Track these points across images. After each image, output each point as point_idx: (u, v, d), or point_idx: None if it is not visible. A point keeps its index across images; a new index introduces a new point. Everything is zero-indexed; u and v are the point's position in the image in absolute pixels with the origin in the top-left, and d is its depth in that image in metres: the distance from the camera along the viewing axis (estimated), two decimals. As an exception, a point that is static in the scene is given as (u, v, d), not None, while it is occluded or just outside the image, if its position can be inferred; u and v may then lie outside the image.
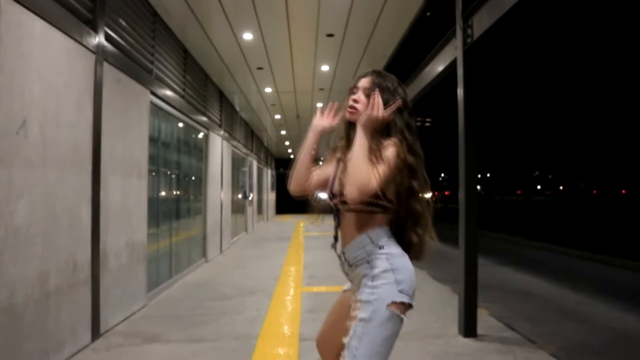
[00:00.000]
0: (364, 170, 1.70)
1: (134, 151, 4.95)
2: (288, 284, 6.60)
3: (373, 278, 1.78)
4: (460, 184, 4.20)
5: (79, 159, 3.76)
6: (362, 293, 1.78)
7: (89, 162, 3.92)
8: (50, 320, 3.31)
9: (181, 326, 4.50)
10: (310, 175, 2.04)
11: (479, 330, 4.15)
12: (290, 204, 30.61)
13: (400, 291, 1.75)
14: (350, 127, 2.01)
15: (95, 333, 4.00)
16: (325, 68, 8.50)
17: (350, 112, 1.96)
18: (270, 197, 24.83)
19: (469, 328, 4.08)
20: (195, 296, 5.81)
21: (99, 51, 4.06)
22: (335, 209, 1.95)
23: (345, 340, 1.74)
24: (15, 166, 2.94)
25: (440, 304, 5.35)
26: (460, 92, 4.24)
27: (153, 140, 5.92)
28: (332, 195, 1.97)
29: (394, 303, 1.73)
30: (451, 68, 4.80)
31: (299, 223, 19.38)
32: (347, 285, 2.05)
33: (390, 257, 1.81)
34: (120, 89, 4.60)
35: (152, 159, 5.85)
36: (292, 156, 26.71)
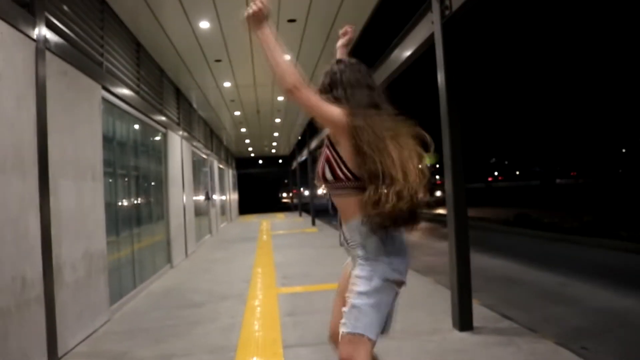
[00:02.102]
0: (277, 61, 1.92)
1: (87, 151, 4.48)
2: (261, 286, 6.24)
3: (367, 259, 1.85)
4: (446, 174, 3.94)
5: (23, 160, 3.29)
6: (358, 269, 1.87)
7: (34, 164, 3.46)
8: (-4, 348, 2.86)
9: (150, 341, 4.08)
10: None
11: (475, 323, 3.91)
12: (253, 204, 30.12)
13: (393, 270, 1.84)
14: None
15: (53, 356, 3.55)
16: (286, 57, 8.12)
17: None
18: (233, 197, 24.28)
19: (464, 321, 3.83)
20: (163, 305, 5.38)
21: (39, 39, 3.60)
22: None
23: (345, 309, 1.83)
24: (-57, 170, 2.49)
25: (426, 296, 5.10)
26: (440, 74, 3.96)
27: (108, 140, 5.43)
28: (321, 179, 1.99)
29: (387, 279, 1.82)
30: (426, 45, 4.55)
31: (263, 222, 18.97)
32: (348, 259, 2.12)
33: (382, 240, 1.84)
34: (68, 82, 4.13)
35: (108, 161, 5.37)
36: (252, 154, 26.27)
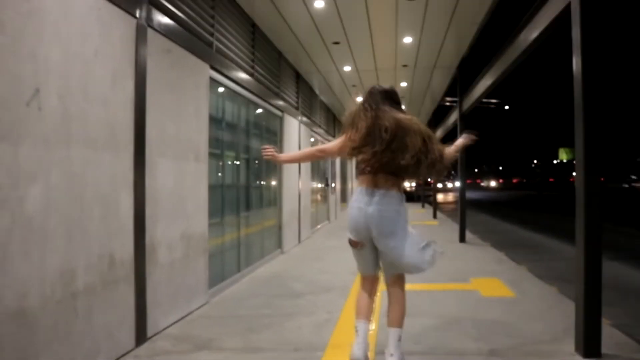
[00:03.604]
0: None
1: (191, 131, 4.44)
2: (367, 280, 5.88)
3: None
4: (578, 168, 3.26)
5: (116, 138, 3.26)
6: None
7: (129, 142, 3.42)
8: (78, 325, 2.83)
9: (240, 329, 3.93)
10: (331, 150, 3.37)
11: (603, 349, 3.20)
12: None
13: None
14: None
15: (141, 336, 3.52)
16: (408, 40, 7.62)
17: None
18: (355, 185, 24.15)
19: (590, 346, 3.14)
20: (264, 292, 5.26)
21: (141, 15, 3.54)
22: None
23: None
24: (25, 144, 2.45)
25: (546, 308, 4.39)
26: (576, 57, 3.27)
27: (216, 121, 5.42)
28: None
29: None
30: (559, 21, 3.85)
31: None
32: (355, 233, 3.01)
33: None
34: (172, 61, 4.08)
35: (216, 142, 5.35)
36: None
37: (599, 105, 3.19)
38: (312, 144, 11.08)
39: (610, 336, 3.49)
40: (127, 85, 3.41)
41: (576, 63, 3.29)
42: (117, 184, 3.26)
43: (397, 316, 2.97)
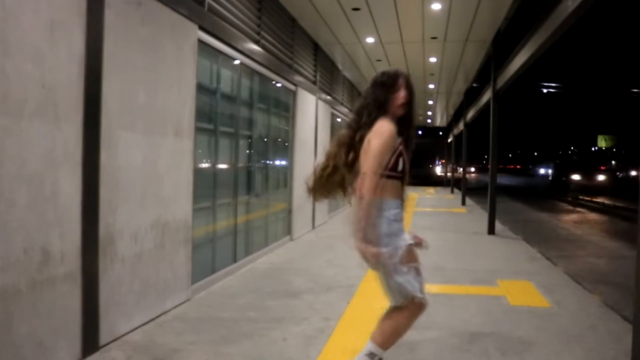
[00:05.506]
0: None
1: (170, 102, 3.79)
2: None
3: None
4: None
5: (55, 104, 2.62)
6: None
7: (77, 109, 2.78)
8: (-14, 339, 2.24)
9: (214, 338, 3.30)
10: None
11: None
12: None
13: None
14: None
15: (91, 345, 2.93)
16: (436, 7, 6.75)
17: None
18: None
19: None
20: (257, 289, 4.62)
21: (93, -46, 2.88)
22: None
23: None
24: None
25: (588, 326, 3.63)
26: None
27: (209, 92, 4.76)
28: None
29: None
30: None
31: (410, 196, 17.77)
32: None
33: None
34: (143, 15, 3.41)
35: (208, 116, 4.70)
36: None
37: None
38: (337, 125, 10.35)
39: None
40: (74, 39, 2.75)
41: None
42: (54, 162, 2.63)
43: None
